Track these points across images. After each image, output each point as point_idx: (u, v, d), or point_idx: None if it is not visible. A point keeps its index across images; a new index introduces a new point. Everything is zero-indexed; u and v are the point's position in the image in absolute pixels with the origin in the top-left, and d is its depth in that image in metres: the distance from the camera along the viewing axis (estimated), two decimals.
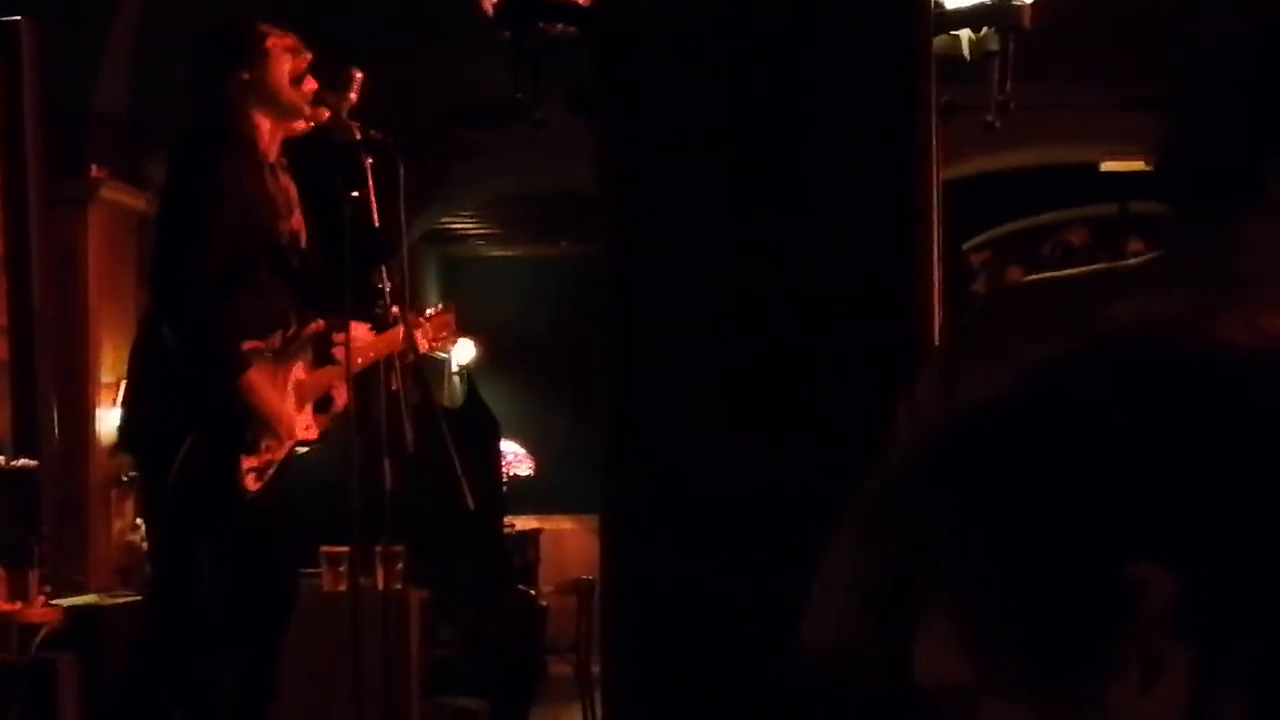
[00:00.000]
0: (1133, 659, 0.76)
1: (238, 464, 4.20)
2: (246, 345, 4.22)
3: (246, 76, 4.28)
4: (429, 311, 5.19)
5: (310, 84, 4.35)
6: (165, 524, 4.31)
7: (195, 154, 4.26)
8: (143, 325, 4.70)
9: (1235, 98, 1.63)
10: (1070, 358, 0.84)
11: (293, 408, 4.37)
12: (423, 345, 4.89)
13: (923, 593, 0.84)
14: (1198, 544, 0.76)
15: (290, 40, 4.35)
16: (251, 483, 4.24)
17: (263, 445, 4.23)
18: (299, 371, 4.43)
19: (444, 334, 5.19)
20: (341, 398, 4.50)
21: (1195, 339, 0.81)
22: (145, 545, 5.81)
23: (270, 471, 4.30)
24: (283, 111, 4.33)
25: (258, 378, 4.21)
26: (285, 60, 4.32)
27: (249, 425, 4.18)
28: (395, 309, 4.54)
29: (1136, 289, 1.59)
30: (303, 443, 4.44)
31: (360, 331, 4.46)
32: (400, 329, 4.56)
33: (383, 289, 4.41)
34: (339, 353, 4.41)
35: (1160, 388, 0.79)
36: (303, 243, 4.42)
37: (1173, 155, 1.67)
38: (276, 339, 4.33)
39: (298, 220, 4.41)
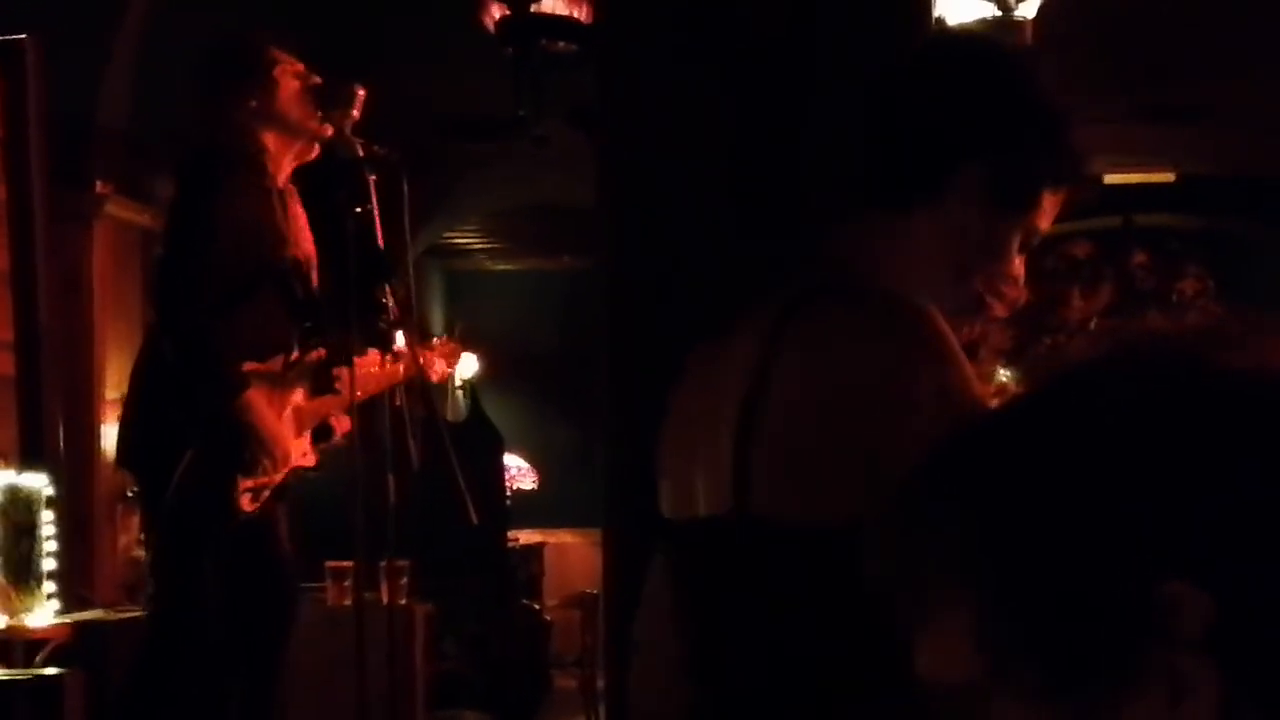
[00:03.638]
0: (1159, 674, 0.76)
1: (235, 481, 4.19)
2: (245, 367, 4.21)
3: (254, 103, 4.30)
4: (435, 341, 5.22)
5: (316, 111, 4.36)
6: (165, 539, 4.31)
7: (203, 173, 4.26)
8: (145, 341, 4.71)
9: (929, 113, 1.80)
10: (1089, 368, 0.84)
11: (290, 433, 4.35)
12: (435, 374, 4.95)
13: (931, 590, 0.84)
14: (1231, 560, 0.75)
15: (298, 65, 4.36)
16: (247, 504, 4.23)
17: (259, 467, 4.21)
18: (298, 398, 4.41)
19: (454, 359, 5.26)
20: (341, 428, 4.49)
21: (1228, 356, 0.81)
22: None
23: (265, 494, 4.29)
24: (291, 134, 4.34)
25: (255, 398, 4.20)
26: (293, 84, 4.33)
27: (245, 445, 4.17)
28: (401, 346, 4.54)
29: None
30: (300, 469, 4.43)
31: (365, 363, 4.45)
32: (401, 365, 4.57)
33: (386, 305, 4.41)
34: (341, 383, 4.40)
35: (1193, 401, 0.79)
36: (311, 270, 4.42)
37: (871, 158, 1.86)
38: (276, 363, 4.32)
39: (306, 247, 4.41)
